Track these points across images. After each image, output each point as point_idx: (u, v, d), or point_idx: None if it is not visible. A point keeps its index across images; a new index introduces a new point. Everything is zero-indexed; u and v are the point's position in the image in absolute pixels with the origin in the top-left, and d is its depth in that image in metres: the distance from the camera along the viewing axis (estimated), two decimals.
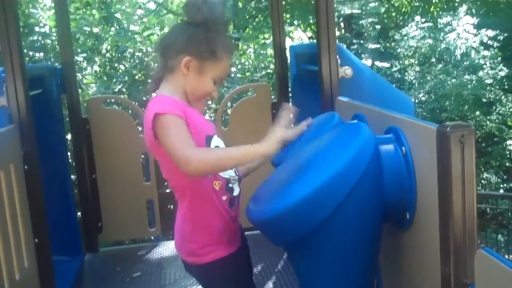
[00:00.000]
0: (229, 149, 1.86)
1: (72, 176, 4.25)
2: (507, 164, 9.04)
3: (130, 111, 4.61)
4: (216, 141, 1.99)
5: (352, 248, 1.88)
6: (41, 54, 6.08)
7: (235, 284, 2.05)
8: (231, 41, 2.05)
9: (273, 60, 4.17)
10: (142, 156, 4.18)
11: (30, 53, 5.98)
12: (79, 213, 4.14)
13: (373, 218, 1.90)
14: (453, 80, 8.90)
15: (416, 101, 9.04)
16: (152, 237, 4.83)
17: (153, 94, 2.03)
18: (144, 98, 6.09)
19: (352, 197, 1.76)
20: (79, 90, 5.84)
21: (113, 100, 5.42)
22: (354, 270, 1.94)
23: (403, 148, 1.91)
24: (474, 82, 8.88)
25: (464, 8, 9.45)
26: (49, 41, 6.24)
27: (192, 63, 1.94)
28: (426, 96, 9.21)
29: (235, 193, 2.02)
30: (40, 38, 6.18)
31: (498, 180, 8.90)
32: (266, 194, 1.97)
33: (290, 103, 3.95)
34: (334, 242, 1.85)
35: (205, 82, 1.98)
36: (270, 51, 6.90)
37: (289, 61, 4.04)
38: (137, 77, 6.23)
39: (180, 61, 1.93)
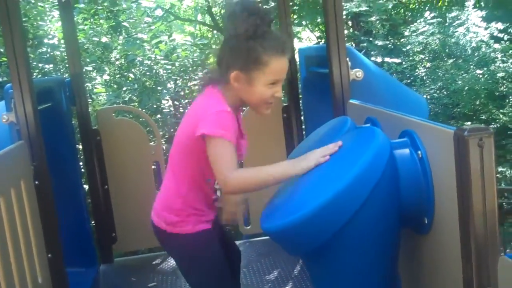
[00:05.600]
0: (266, 170, 1.94)
1: (85, 187, 4.25)
2: None
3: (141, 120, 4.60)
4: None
5: (370, 256, 1.85)
6: (51, 66, 6.09)
7: (206, 255, 2.15)
8: (276, 40, 1.98)
9: None
10: (154, 164, 4.16)
11: (40, 65, 5.99)
12: (93, 224, 4.12)
13: (391, 224, 1.86)
14: (464, 75, 8.81)
15: (428, 97, 8.96)
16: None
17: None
18: (155, 106, 6.09)
19: (369, 204, 1.73)
20: (90, 100, 5.86)
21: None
22: (373, 278, 1.91)
23: (419, 152, 1.87)
24: (486, 76, 8.79)
25: (472, 1, 9.37)
26: (58, 53, 6.25)
27: (241, 77, 1.98)
28: (438, 92, 9.13)
29: (218, 194, 2.18)
30: (49, 50, 6.19)
31: None
32: (280, 204, 1.95)
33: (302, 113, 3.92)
34: (351, 250, 1.82)
35: (258, 91, 2.00)
36: None
37: (298, 63, 4.00)
38: (147, 84, 6.23)
39: (230, 76, 1.98)
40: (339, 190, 1.68)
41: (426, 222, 1.88)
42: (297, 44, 10.05)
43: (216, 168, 1.93)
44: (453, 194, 1.63)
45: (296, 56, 4.13)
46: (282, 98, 4.39)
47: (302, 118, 4.08)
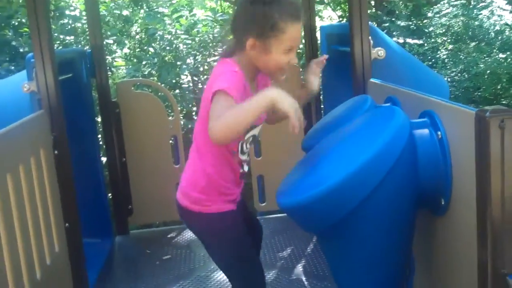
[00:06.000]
0: (238, 105, 1.82)
1: (103, 159, 4.28)
2: None
3: (159, 94, 4.60)
4: (258, 129, 2.14)
5: (386, 235, 1.85)
6: (72, 37, 6.09)
7: (230, 238, 2.15)
8: (291, 6, 1.94)
9: (303, 41, 4.10)
10: (172, 139, 4.17)
11: (61, 36, 5.99)
12: (109, 196, 4.16)
13: (408, 204, 1.86)
14: (487, 59, 8.69)
15: (449, 79, 8.86)
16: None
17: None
18: (174, 81, 6.08)
19: (386, 183, 1.72)
20: (110, 73, 5.87)
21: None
22: (388, 257, 1.91)
23: (439, 132, 1.85)
24: (509, 60, 8.66)
25: None
26: (79, 25, 6.24)
27: (257, 44, 1.94)
28: (459, 75, 9.03)
29: (245, 169, 2.17)
30: (70, 21, 6.19)
31: None
32: (297, 180, 1.94)
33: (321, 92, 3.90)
34: (367, 228, 1.82)
35: (274, 58, 1.96)
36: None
37: (319, 41, 3.97)
38: (167, 58, 6.21)
39: (245, 43, 1.95)
40: (357, 167, 1.67)
41: (443, 203, 1.87)
42: (318, 23, 9.96)
43: (209, 120, 1.84)
44: (472, 176, 1.61)
45: (318, 34, 4.09)
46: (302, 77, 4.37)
47: (321, 97, 4.06)
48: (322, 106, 4.12)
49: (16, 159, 2.18)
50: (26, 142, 2.31)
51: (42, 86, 2.51)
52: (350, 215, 1.74)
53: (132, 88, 4.16)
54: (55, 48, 5.86)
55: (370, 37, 2.69)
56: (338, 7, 10.95)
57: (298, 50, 5.67)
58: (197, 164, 2.11)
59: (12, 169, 2.12)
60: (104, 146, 4.08)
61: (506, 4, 8.52)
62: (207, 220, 2.12)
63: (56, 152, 2.57)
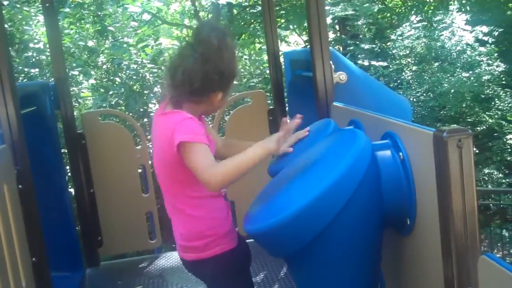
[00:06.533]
0: (239, 157, 2.00)
1: (71, 191, 4.22)
2: (508, 159, 8.99)
3: (127, 123, 4.58)
4: None
5: (353, 257, 1.86)
6: (37, 70, 6.06)
7: (239, 275, 2.23)
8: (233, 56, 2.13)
9: (268, 65, 4.15)
10: (140, 168, 4.15)
11: (26, 69, 5.95)
12: (78, 228, 4.10)
13: (373, 225, 1.87)
14: (450, 78, 8.87)
15: (415, 100, 9.01)
16: (153, 249, 4.80)
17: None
18: (142, 110, 6.07)
19: (350, 206, 1.74)
20: (76, 104, 5.84)
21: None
22: (356, 278, 1.91)
23: (401, 153, 1.88)
24: (471, 79, 8.85)
25: (456, 5, 9.45)
26: (44, 57, 6.22)
27: (222, 96, 2.11)
28: (425, 94, 9.19)
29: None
30: (35, 54, 6.16)
31: (500, 175, 8.85)
32: (263, 206, 1.95)
33: (287, 115, 3.95)
34: (334, 252, 1.82)
35: (223, 102, 2.18)
36: (266, 57, 6.88)
37: (283, 67, 4.02)
38: (134, 88, 6.21)
39: (211, 98, 2.08)
40: (320, 192, 1.68)
41: (408, 223, 1.89)
42: (285, 48, 10.07)
43: (197, 172, 1.94)
44: (434, 195, 1.64)
45: (282, 60, 4.13)
46: (268, 102, 4.41)
47: (287, 119, 4.09)
48: None
49: None
50: None
51: (4, 120, 2.48)
52: (316, 239, 1.75)
53: (99, 118, 4.13)
54: (20, 81, 5.83)
55: (331, 62, 2.73)
56: (304, 32, 11.09)
57: (266, 75, 5.71)
58: (185, 217, 2.13)
59: None
60: (71, 178, 4.03)
61: (466, 24, 8.74)
62: (213, 264, 2.14)
63: (20, 186, 2.54)
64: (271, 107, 4.11)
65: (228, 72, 2.06)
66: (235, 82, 2.18)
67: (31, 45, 6.14)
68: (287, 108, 4.09)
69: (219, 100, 2.11)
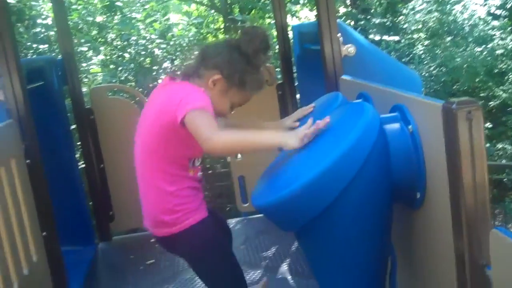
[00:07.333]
0: (250, 133, 2.01)
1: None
2: None
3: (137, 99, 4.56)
4: None
5: (362, 230, 1.85)
6: (46, 46, 6.05)
7: (216, 248, 2.20)
8: (262, 79, 2.16)
9: (276, 41, 4.10)
10: None
11: (34, 45, 5.94)
12: (90, 203, 4.13)
13: (382, 199, 1.85)
14: (463, 52, 8.78)
15: (427, 74, 8.94)
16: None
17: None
18: (151, 85, 6.05)
19: (359, 179, 1.72)
20: (86, 79, 5.83)
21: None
22: (366, 251, 1.90)
23: (410, 126, 1.85)
24: (484, 53, 8.75)
25: None
26: (52, 33, 6.20)
27: (220, 82, 2.10)
28: (437, 69, 9.10)
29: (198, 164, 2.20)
30: (43, 30, 6.14)
31: None
32: (271, 179, 1.94)
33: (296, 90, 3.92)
34: (343, 225, 1.81)
35: (223, 103, 2.14)
36: (275, 32, 6.82)
37: (291, 41, 3.98)
38: (144, 63, 6.20)
39: (211, 75, 2.09)
40: (327, 165, 1.67)
41: (418, 196, 1.87)
42: (295, 22, 9.97)
43: (199, 134, 1.92)
44: (444, 168, 1.61)
45: (290, 34, 4.09)
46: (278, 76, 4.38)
47: (297, 95, 4.06)
48: (298, 104, 4.12)
49: None
50: None
51: (10, 95, 2.47)
52: (325, 212, 1.74)
53: (109, 94, 4.13)
54: (29, 57, 5.82)
55: (339, 35, 2.69)
56: (315, 7, 10.96)
57: (276, 50, 5.68)
58: (154, 191, 2.14)
59: None
60: (81, 153, 4.05)
61: None
62: (189, 236, 2.13)
63: (28, 161, 2.54)
64: (280, 81, 4.08)
65: (241, 69, 2.09)
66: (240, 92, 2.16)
67: (39, 21, 6.12)
68: (296, 83, 4.06)
69: (214, 87, 2.10)
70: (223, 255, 2.24)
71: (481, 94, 8.88)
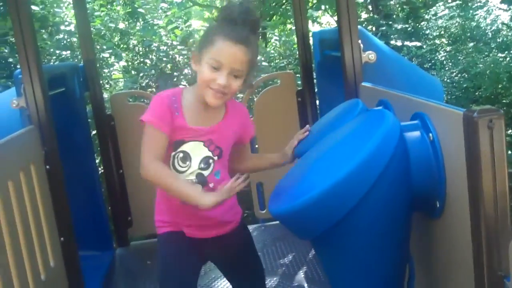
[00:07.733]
0: (175, 181, 2.01)
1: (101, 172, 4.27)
2: None
3: None
4: (190, 146, 2.11)
5: (380, 240, 1.82)
6: (68, 52, 6.11)
7: (167, 259, 2.19)
8: (234, 28, 1.98)
9: (297, 47, 4.10)
10: None
11: (57, 51, 6.01)
12: (109, 208, 4.15)
13: (401, 207, 1.83)
14: (486, 58, 8.68)
15: (449, 81, 8.85)
16: None
17: None
18: None
19: (378, 187, 1.70)
20: (108, 86, 5.87)
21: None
22: (384, 261, 1.88)
23: (430, 134, 1.82)
24: (508, 59, 8.64)
25: None
26: (75, 39, 6.27)
27: (195, 56, 2.06)
28: (459, 75, 9.01)
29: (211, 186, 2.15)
30: (66, 36, 6.21)
31: None
32: (288, 187, 1.92)
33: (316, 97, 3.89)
34: (361, 233, 1.79)
35: (202, 70, 2.01)
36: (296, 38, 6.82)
37: (312, 47, 3.96)
38: (165, 69, 6.23)
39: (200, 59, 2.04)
40: (346, 173, 1.65)
41: (438, 205, 1.85)
42: (316, 28, 9.96)
43: (141, 154, 2.06)
44: (465, 177, 1.59)
45: (311, 40, 4.08)
46: (298, 83, 4.36)
47: (317, 102, 4.05)
48: (318, 111, 4.10)
49: (4, 174, 2.17)
50: (15, 158, 2.30)
51: (31, 100, 2.49)
52: (343, 221, 1.72)
53: (130, 100, 4.14)
54: (52, 63, 5.88)
55: (360, 41, 2.67)
56: (336, 13, 10.93)
57: (297, 56, 5.63)
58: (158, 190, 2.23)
59: (1, 185, 2.10)
60: (101, 159, 4.07)
61: (501, 3, 8.50)
62: (159, 242, 2.23)
63: (47, 167, 2.56)
64: (300, 88, 4.06)
65: (206, 31, 2.09)
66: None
67: (62, 27, 6.19)
68: (316, 89, 4.04)
69: (194, 64, 2.07)
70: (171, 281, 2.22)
71: (504, 101, 8.76)
